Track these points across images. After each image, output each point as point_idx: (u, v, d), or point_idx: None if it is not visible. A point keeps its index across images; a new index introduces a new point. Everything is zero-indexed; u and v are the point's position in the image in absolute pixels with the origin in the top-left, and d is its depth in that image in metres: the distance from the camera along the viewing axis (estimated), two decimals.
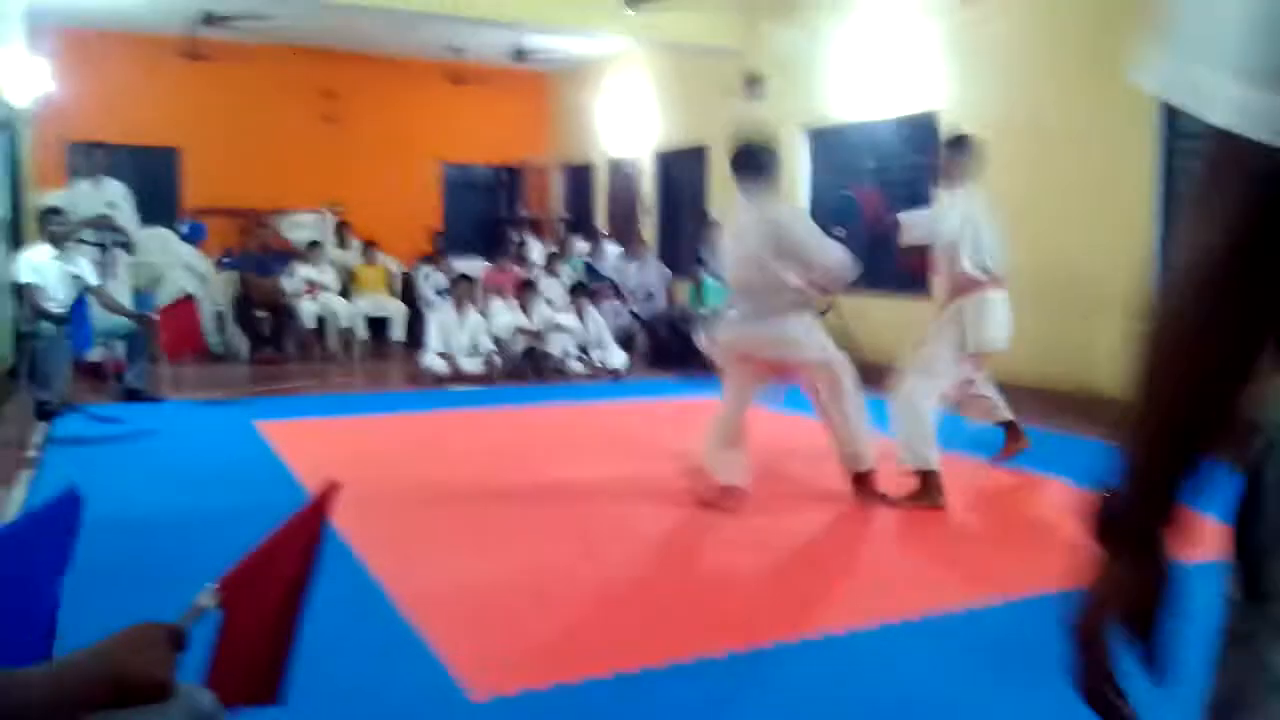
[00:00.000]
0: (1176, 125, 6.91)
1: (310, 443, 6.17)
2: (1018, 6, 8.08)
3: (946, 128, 8.73)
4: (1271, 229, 0.78)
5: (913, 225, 5.43)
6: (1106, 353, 7.19)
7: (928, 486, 4.81)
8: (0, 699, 1.11)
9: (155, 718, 1.22)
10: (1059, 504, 4.88)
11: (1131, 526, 0.92)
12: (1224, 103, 0.76)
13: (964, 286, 5.09)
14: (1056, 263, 6.30)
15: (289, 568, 1.54)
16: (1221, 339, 0.83)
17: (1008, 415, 5.66)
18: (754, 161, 4.98)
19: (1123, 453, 0.91)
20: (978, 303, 5.06)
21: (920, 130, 9.08)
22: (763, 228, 4.74)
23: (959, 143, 5.35)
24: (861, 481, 4.84)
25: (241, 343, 10.12)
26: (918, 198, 9.19)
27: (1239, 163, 0.77)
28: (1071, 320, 6.62)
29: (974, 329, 5.06)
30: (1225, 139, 0.77)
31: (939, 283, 5.34)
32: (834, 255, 4.81)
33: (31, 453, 5.75)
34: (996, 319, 5.12)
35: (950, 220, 5.14)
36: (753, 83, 11.16)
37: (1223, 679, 0.90)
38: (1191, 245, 0.82)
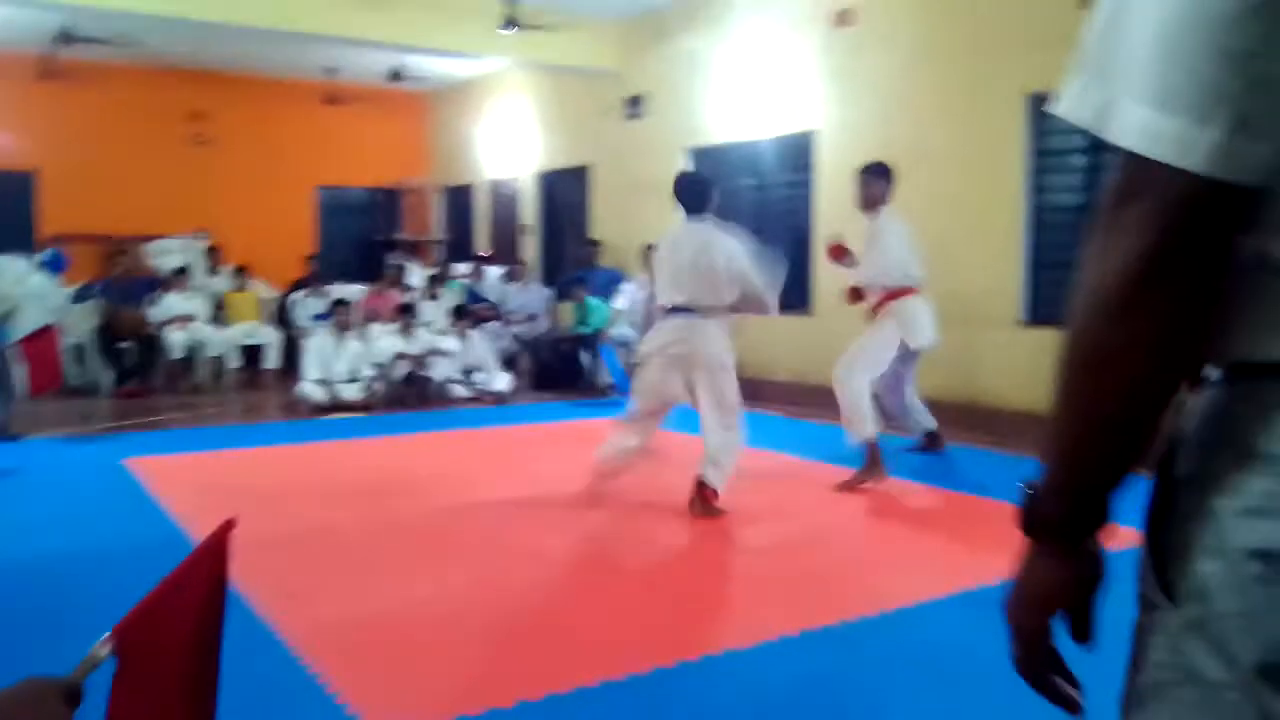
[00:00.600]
0: (1044, 145, 7.20)
1: (184, 479, 5.90)
2: (891, 29, 8.33)
3: (824, 147, 8.95)
4: (1179, 251, 0.80)
5: (860, 264, 6.13)
6: (990, 367, 7.44)
7: (873, 460, 5.52)
8: None
9: None
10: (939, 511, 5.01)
11: (1058, 528, 0.95)
12: (1133, 126, 0.79)
13: (896, 293, 5.87)
14: (938, 278, 6.51)
15: (191, 611, 1.45)
16: (1129, 360, 0.84)
17: (931, 424, 6.47)
18: (691, 190, 5.51)
19: (1046, 460, 0.94)
20: (911, 306, 5.88)
21: (799, 149, 9.27)
22: (700, 245, 5.12)
23: (878, 169, 6.00)
24: (701, 493, 5.04)
25: (105, 375, 9.67)
26: (797, 214, 9.39)
27: (1147, 185, 0.79)
28: (954, 334, 6.83)
29: (911, 327, 5.86)
30: (1134, 162, 0.79)
31: (871, 295, 6.06)
32: (761, 283, 5.18)
33: None
34: (927, 320, 5.99)
35: (889, 241, 5.86)
36: (633, 103, 11.24)
37: (1137, 675, 0.93)
38: (1099, 267, 0.84)
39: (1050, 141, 7.20)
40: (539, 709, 2.81)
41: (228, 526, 1.71)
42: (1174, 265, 0.80)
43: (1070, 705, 1.01)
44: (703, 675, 3.08)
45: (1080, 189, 7.10)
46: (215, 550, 1.64)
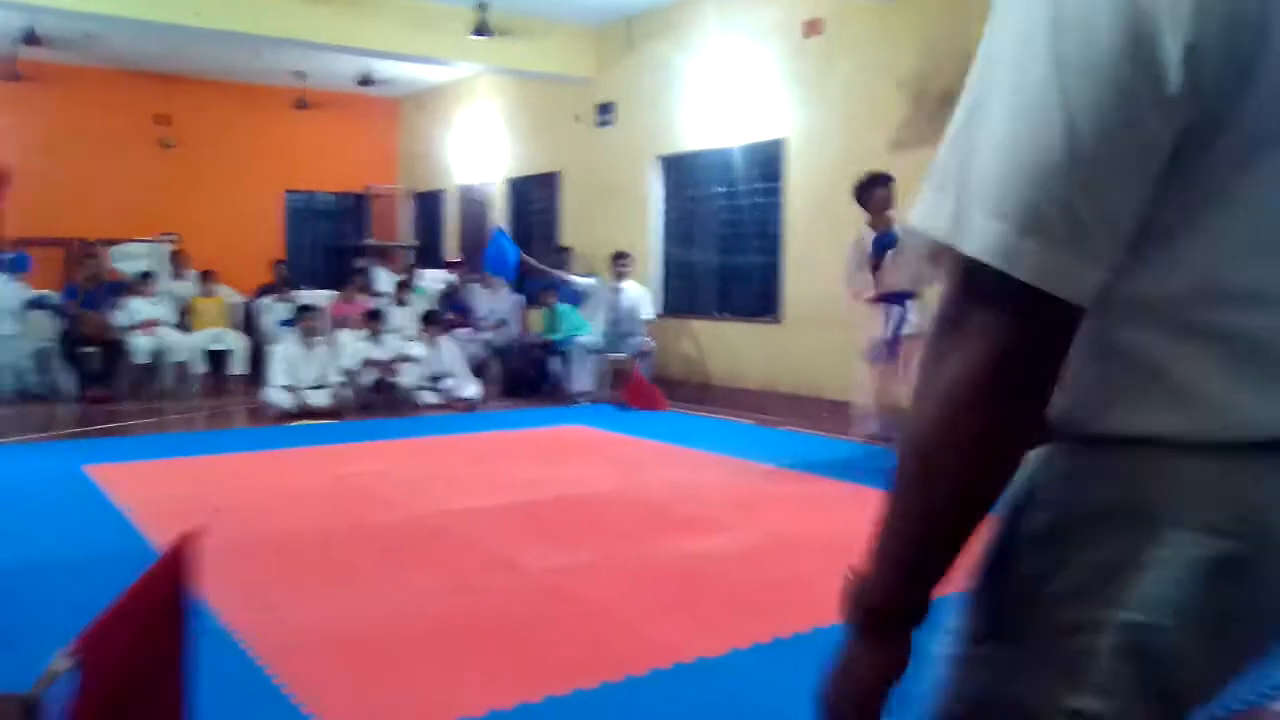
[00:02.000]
0: None
1: (147, 487, 5.81)
2: (857, 38, 8.39)
3: (793, 155, 8.99)
4: (1022, 356, 0.83)
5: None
6: None
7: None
8: None
9: None
10: None
11: (886, 618, 0.97)
12: (982, 237, 0.81)
13: (895, 290, 6.34)
14: None
15: (152, 623, 1.43)
16: (972, 459, 0.86)
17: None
18: None
19: (877, 552, 0.95)
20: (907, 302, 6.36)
21: (768, 157, 9.31)
22: None
23: (880, 179, 6.37)
24: None
25: (67, 381, 9.53)
26: (767, 222, 9.42)
27: (993, 295, 0.82)
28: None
29: (915, 317, 6.29)
30: (982, 271, 0.81)
31: (871, 292, 6.47)
32: None
33: None
34: (917, 314, 6.37)
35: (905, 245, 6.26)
36: (603, 110, 11.25)
37: (953, 702, 0.98)
38: (943, 371, 0.85)
39: None
40: (510, 718, 2.79)
41: (188, 539, 1.69)
42: (1017, 369, 0.83)
43: None
44: (676, 682, 3.07)
45: None
46: (176, 563, 1.61)
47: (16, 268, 10.02)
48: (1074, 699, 0.88)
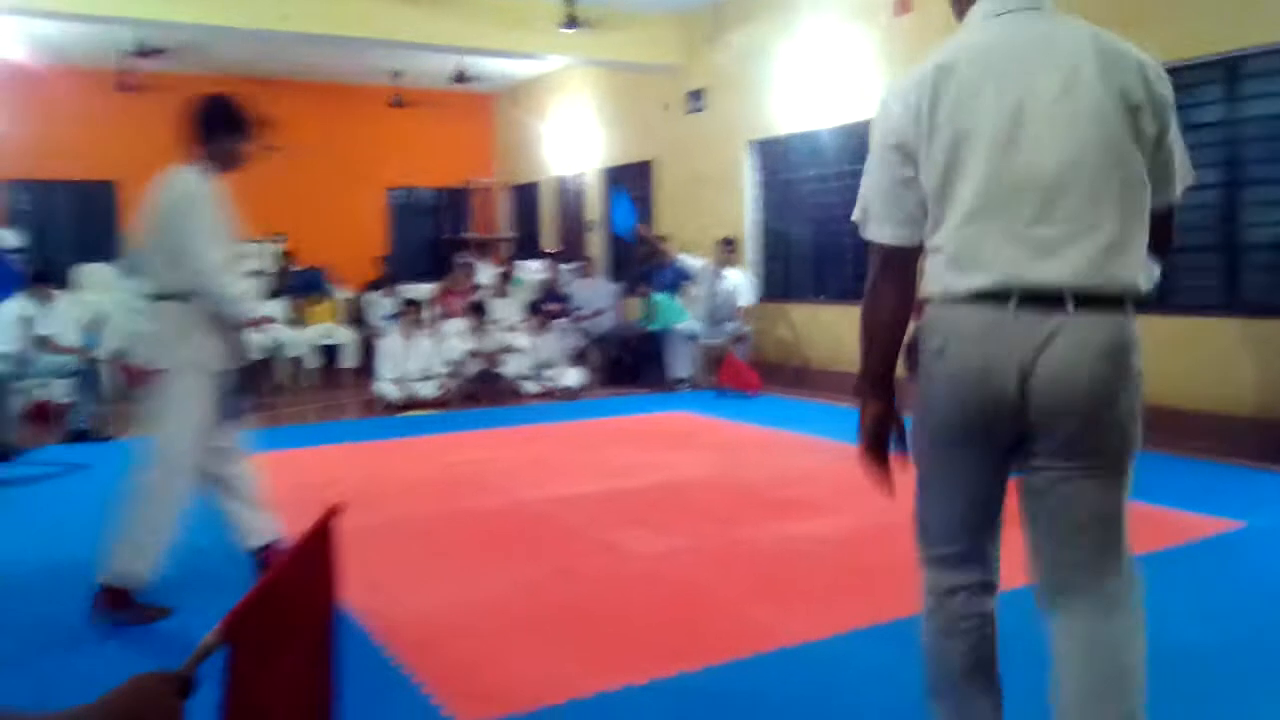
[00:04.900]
0: None
1: (263, 476, 6.06)
2: (948, 16, 8.21)
3: None
4: (887, 269, 2.05)
5: None
6: None
7: None
8: None
9: None
10: None
11: (864, 388, 2.12)
12: (874, 229, 2.05)
13: None
14: None
15: (301, 597, 1.52)
16: (880, 310, 2.07)
17: None
18: None
19: (862, 362, 2.12)
20: None
21: (860, 139, 9.21)
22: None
23: None
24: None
25: None
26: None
27: (871, 245, 2.08)
28: None
29: None
30: (873, 243, 2.07)
31: None
32: None
33: None
34: None
35: None
36: (694, 97, 11.26)
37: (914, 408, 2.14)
38: (869, 276, 2.08)
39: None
40: (615, 700, 2.88)
41: (331, 513, 1.78)
42: (887, 274, 2.06)
43: (887, 486, 2.15)
44: (779, 666, 3.12)
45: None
46: (321, 537, 1.70)
47: (135, 269, 10.52)
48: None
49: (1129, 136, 1.89)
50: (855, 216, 2.08)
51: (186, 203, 3.71)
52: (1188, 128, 4.97)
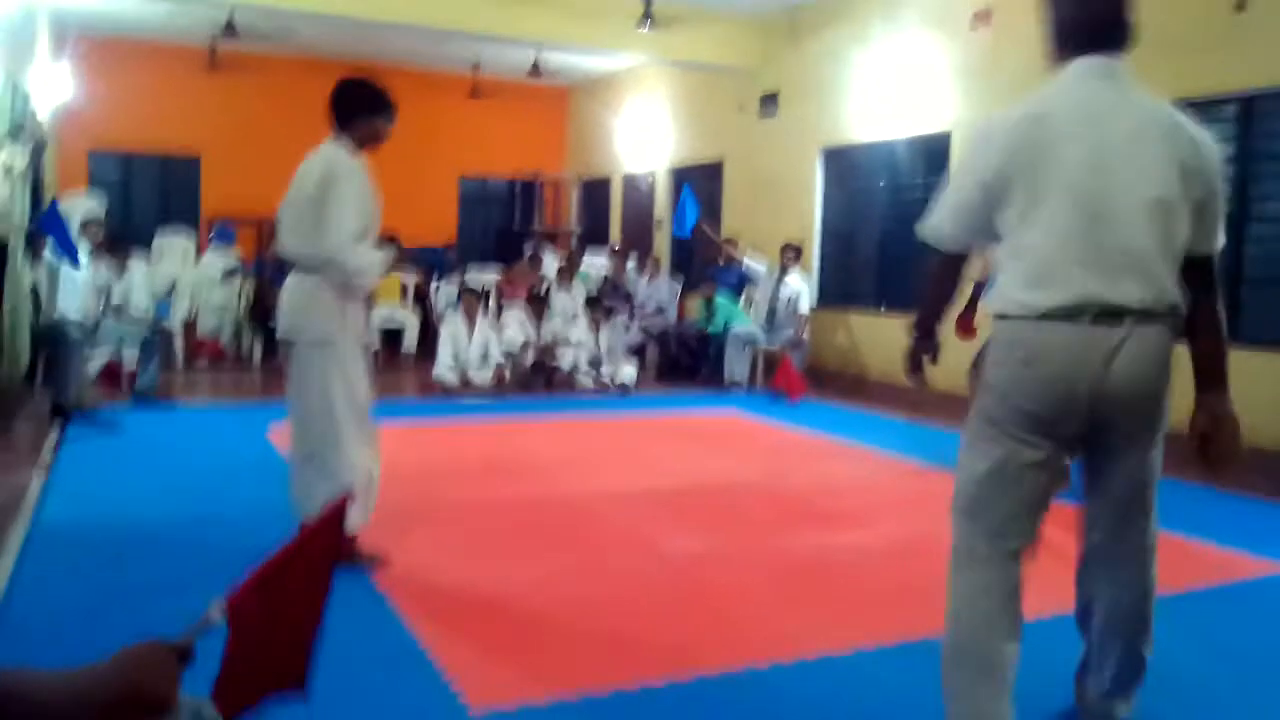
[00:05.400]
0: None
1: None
2: (1026, 30, 8.09)
3: (959, 149, 8.78)
4: (941, 266, 2.63)
5: None
6: None
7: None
8: (19, 697, 1.16)
9: None
10: None
11: (917, 330, 2.80)
12: (946, 238, 2.57)
13: None
14: None
15: (300, 583, 1.57)
16: (936, 283, 2.67)
17: None
18: None
19: (919, 311, 2.79)
20: None
21: (933, 151, 9.12)
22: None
23: None
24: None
25: (256, 348, 10.22)
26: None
27: (941, 252, 2.61)
28: None
29: None
30: (933, 245, 2.61)
31: None
32: None
33: (46, 455, 5.83)
34: None
35: None
36: (767, 101, 11.23)
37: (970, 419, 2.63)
38: (931, 275, 2.68)
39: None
40: (630, 700, 2.91)
41: (340, 505, 1.84)
42: (946, 269, 2.62)
43: (920, 378, 2.90)
44: (796, 677, 3.12)
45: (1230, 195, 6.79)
46: (328, 527, 1.76)
47: (223, 239, 10.87)
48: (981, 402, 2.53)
49: (1179, 193, 2.33)
50: (929, 222, 2.57)
51: (334, 176, 3.85)
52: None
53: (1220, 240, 2.48)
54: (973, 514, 2.47)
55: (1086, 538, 2.62)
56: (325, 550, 1.77)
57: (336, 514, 1.82)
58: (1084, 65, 2.42)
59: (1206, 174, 2.38)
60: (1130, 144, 2.32)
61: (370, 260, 3.95)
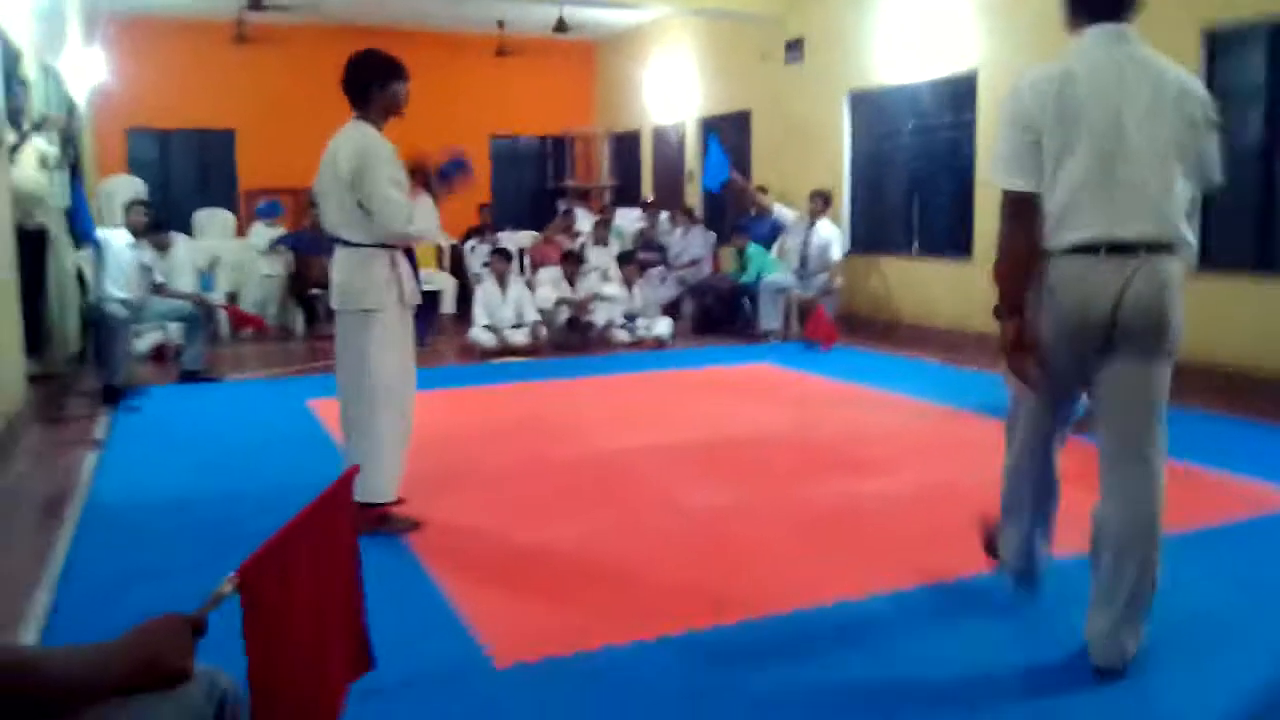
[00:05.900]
0: (1221, 81, 6.79)
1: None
2: None
3: (986, 88, 8.68)
4: (1015, 211, 2.81)
5: None
6: None
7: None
8: (41, 672, 1.27)
9: (177, 700, 1.38)
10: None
11: (1003, 311, 2.86)
12: (1004, 179, 2.81)
13: None
14: None
15: (313, 554, 1.65)
16: (1013, 246, 2.83)
17: None
18: None
19: (999, 290, 2.89)
20: None
21: (960, 91, 9.02)
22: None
23: None
24: None
25: (296, 320, 10.41)
26: (959, 156, 9.15)
27: (1006, 198, 2.83)
28: None
29: None
30: (1006, 190, 2.83)
31: None
32: None
33: (97, 434, 6.05)
34: None
35: None
36: (792, 47, 11.13)
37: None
38: (1003, 219, 2.85)
39: (1228, 77, 6.78)
40: (650, 650, 3.01)
41: (349, 476, 1.93)
42: (1017, 218, 2.81)
43: (1030, 381, 2.85)
44: (812, 624, 3.21)
45: (1260, 126, 6.68)
46: (338, 498, 1.86)
47: (270, 213, 11.07)
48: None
49: (1189, 142, 2.73)
50: (990, 170, 2.85)
51: (365, 161, 3.96)
52: None
53: (1217, 175, 2.84)
54: (1022, 393, 3.00)
55: (1100, 459, 2.86)
56: (339, 520, 1.86)
57: (345, 484, 1.91)
58: (1099, 32, 2.78)
59: (1209, 124, 2.78)
60: (1145, 106, 2.69)
61: (428, 225, 4.12)
